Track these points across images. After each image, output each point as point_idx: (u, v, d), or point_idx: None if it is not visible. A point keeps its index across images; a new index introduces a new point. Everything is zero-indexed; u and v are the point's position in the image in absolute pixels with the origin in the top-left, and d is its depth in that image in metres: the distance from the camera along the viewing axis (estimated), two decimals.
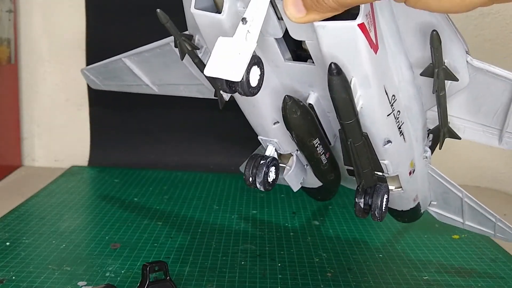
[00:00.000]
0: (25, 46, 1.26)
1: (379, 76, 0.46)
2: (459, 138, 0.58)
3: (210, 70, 0.39)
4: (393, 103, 0.50)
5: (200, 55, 0.59)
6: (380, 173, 0.57)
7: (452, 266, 0.77)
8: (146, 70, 0.76)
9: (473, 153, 1.25)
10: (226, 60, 0.38)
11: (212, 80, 0.45)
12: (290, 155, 0.61)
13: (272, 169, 0.57)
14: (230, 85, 0.40)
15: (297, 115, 0.51)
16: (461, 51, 0.50)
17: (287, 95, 0.50)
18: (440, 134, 0.56)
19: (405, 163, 0.59)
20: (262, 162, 0.56)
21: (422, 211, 0.72)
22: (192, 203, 1.03)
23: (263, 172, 0.55)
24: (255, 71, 0.40)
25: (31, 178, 1.19)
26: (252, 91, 0.40)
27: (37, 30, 1.26)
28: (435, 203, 0.73)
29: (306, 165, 0.63)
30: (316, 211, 1.00)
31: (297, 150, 0.60)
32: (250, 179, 0.56)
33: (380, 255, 0.80)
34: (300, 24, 0.41)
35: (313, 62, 0.49)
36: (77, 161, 1.29)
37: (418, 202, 0.69)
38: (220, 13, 0.45)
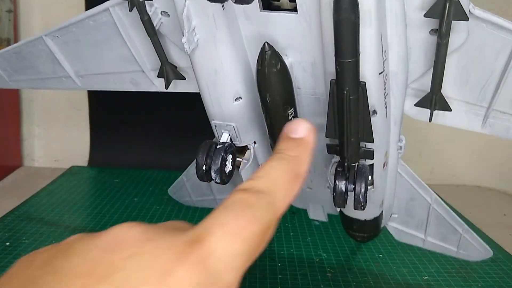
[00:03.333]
0: None
1: (379, 16, 0.41)
2: (450, 110, 0.50)
3: None
4: (384, 61, 0.45)
5: (150, 13, 0.50)
6: (368, 145, 0.50)
7: (452, 266, 0.77)
8: (71, 54, 0.63)
9: (473, 152, 1.25)
10: None
11: None
12: (246, 148, 0.55)
13: (229, 157, 0.50)
14: None
15: (276, 69, 0.43)
16: None
17: (267, 42, 0.42)
18: (430, 103, 0.48)
19: (382, 147, 0.52)
20: (219, 147, 0.50)
21: (382, 225, 0.68)
22: None
23: (220, 158, 0.48)
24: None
25: (31, 178, 1.19)
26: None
27: (36, 30, 1.26)
28: (396, 216, 0.69)
29: (261, 160, 0.57)
30: None
31: (254, 142, 0.54)
32: (204, 167, 0.49)
33: (380, 255, 0.80)
34: None
35: (294, 11, 0.42)
36: (77, 161, 1.29)
37: (382, 212, 0.63)
38: None
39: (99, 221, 0.90)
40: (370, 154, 0.50)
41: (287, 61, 0.45)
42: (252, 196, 0.26)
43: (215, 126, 0.52)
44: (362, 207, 0.49)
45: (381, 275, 0.73)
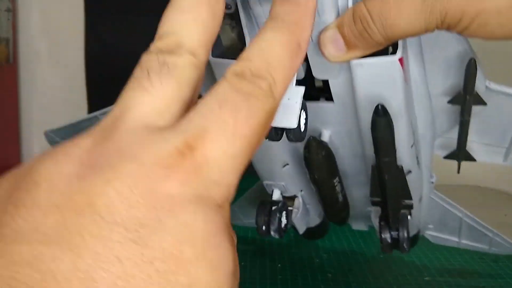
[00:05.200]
0: (23, 45, 1.26)
1: (408, 105, 0.47)
2: (475, 160, 0.58)
3: None
4: (414, 131, 0.51)
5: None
6: (407, 201, 0.57)
7: (453, 267, 0.77)
8: None
9: None
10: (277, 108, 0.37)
11: None
12: (295, 196, 0.61)
13: (284, 213, 0.56)
14: (279, 132, 0.38)
15: (322, 156, 0.50)
16: (482, 75, 0.51)
17: (311, 136, 0.49)
18: (457, 157, 0.56)
19: (417, 190, 0.59)
20: (274, 208, 0.55)
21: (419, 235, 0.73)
22: None
23: (277, 219, 0.54)
24: (303, 116, 0.38)
25: None
26: (303, 136, 0.39)
27: (36, 30, 1.26)
28: (432, 226, 0.74)
29: (308, 204, 0.63)
30: None
31: (301, 190, 0.60)
32: (264, 227, 0.55)
33: (381, 256, 0.79)
34: (334, 63, 0.39)
35: (329, 100, 0.48)
36: None
37: (419, 229, 0.69)
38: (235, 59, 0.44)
39: None
40: (410, 207, 0.57)
41: (326, 133, 0.51)
42: (248, 83, 0.23)
43: (266, 184, 0.59)
44: (406, 251, 0.57)
45: (382, 276, 0.73)
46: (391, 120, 0.44)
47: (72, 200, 0.19)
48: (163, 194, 0.19)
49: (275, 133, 0.38)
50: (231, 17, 0.42)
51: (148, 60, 0.24)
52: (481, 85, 0.51)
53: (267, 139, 0.39)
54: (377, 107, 0.43)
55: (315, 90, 0.48)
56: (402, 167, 0.51)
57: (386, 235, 0.56)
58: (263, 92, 0.23)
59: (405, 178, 0.52)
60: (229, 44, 0.46)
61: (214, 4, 0.26)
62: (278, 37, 0.25)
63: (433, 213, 0.71)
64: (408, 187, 0.54)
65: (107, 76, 1.27)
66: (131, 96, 0.23)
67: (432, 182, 0.64)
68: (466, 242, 0.74)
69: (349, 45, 0.36)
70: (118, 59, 1.27)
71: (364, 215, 0.66)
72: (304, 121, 0.39)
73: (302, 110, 0.38)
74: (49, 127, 1.31)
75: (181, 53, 0.24)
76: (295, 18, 0.25)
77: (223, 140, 0.21)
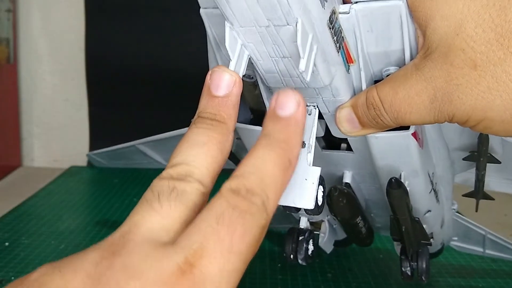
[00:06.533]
0: (24, 46, 1.26)
1: (424, 165, 0.48)
2: (493, 199, 0.63)
3: (280, 199, 0.39)
4: (432, 179, 0.53)
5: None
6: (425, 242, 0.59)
7: (452, 267, 0.77)
8: (160, 151, 0.75)
9: None
10: (295, 187, 0.37)
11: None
12: (322, 221, 0.63)
13: (311, 241, 0.57)
14: (297, 208, 0.39)
15: (343, 203, 0.52)
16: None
17: (332, 187, 0.51)
18: (475, 196, 0.60)
19: (438, 220, 0.61)
20: (301, 238, 0.56)
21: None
22: None
23: (303, 249, 0.56)
24: (320, 191, 0.39)
25: (30, 178, 1.18)
26: (320, 211, 0.40)
27: (36, 30, 1.26)
28: (456, 238, 0.77)
29: (335, 224, 0.64)
30: None
31: (327, 215, 0.62)
32: (291, 255, 0.56)
33: (381, 256, 0.80)
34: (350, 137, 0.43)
35: (349, 150, 0.49)
36: (76, 161, 1.28)
37: (443, 244, 0.72)
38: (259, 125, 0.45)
39: (99, 221, 0.89)
40: (428, 244, 0.59)
41: (348, 174, 0.53)
42: (243, 200, 0.24)
43: (293, 214, 0.60)
44: (424, 282, 0.60)
45: (382, 275, 0.73)
46: (406, 190, 0.46)
47: None
48: None
49: (295, 209, 0.39)
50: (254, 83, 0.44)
51: (159, 184, 0.27)
52: (495, 145, 0.53)
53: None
54: (390, 180, 0.46)
55: (336, 140, 0.50)
56: (418, 219, 0.53)
57: (406, 268, 0.59)
58: (257, 208, 0.24)
59: (423, 227, 0.55)
60: (254, 102, 0.47)
61: (223, 142, 0.29)
62: (271, 155, 0.26)
63: (457, 228, 0.73)
64: (425, 232, 0.56)
65: (107, 76, 1.27)
66: (140, 215, 0.25)
67: (454, 209, 0.67)
68: (490, 252, 0.77)
69: (363, 124, 0.38)
70: (118, 59, 1.28)
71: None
72: (322, 194, 0.40)
73: (321, 186, 0.39)
74: (49, 127, 1.31)
75: (190, 181, 0.26)
76: (285, 136, 0.27)
77: (220, 257, 0.22)
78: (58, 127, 1.30)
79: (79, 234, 0.83)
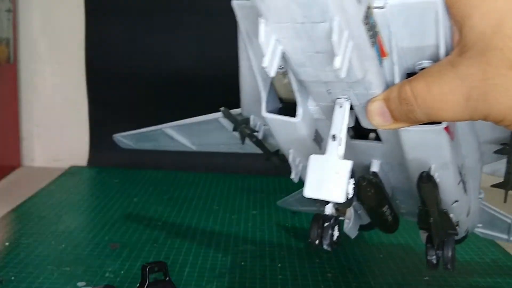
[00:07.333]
0: (24, 46, 1.26)
1: (455, 158, 0.48)
2: None
3: (311, 192, 0.38)
4: (461, 170, 0.53)
5: (257, 128, 0.61)
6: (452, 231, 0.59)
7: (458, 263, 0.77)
8: (187, 135, 0.77)
9: None
10: (326, 181, 0.38)
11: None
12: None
13: (336, 228, 0.57)
14: (328, 201, 0.39)
15: (371, 193, 0.52)
16: None
17: (360, 177, 0.50)
18: (504, 187, 0.59)
19: (464, 210, 0.61)
20: (326, 224, 0.56)
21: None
22: (192, 203, 1.02)
23: (329, 235, 0.55)
24: (350, 184, 0.39)
25: (30, 178, 1.18)
26: (350, 203, 0.40)
27: (36, 30, 1.26)
28: (480, 225, 0.76)
29: (359, 210, 0.64)
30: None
31: (353, 202, 0.62)
32: (317, 241, 0.56)
33: (381, 256, 0.80)
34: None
35: (377, 140, 0.49)
36: (76, 161, 1.28)
37: (467, 231, 0.72)
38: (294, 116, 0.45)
39: (99, 221, 0.89)
40: (455, 234, 0.59)
41: (376, 163, 0.53)
42: None
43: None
44: (450, 270, 0.59)
45: (382, 275, 0.73)
46: (436, 184, 0.46)
47: None
48: None
49: (325, 201, 0.39)
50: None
51: None
52: None
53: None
54: (421, 174, 0.46)
55: (364, 129, 0.49)
56: (446, 210, 0.53)
57: (432, 257, 0.59)
58: None
59: (450, 218, 0.55)
60: (283, 92, 0.47)
61: None
62: None
63: (482, 215, 0.73)
64: (452, 222, 0.56)
65: (107, 76, 1.27)
66: None
67: (481, 198, 0.67)
68: None
69: (395, 118, 0.38)
70: (118, 59, 1.28)
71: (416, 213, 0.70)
72: (353, 186, 0.39)
73: (351, 179, 0.39)
74: (49, 127, 1.31)
75: None
76: None
77: None
78: (58, 127, 1.30)
79: (79, 234, 0.83)
